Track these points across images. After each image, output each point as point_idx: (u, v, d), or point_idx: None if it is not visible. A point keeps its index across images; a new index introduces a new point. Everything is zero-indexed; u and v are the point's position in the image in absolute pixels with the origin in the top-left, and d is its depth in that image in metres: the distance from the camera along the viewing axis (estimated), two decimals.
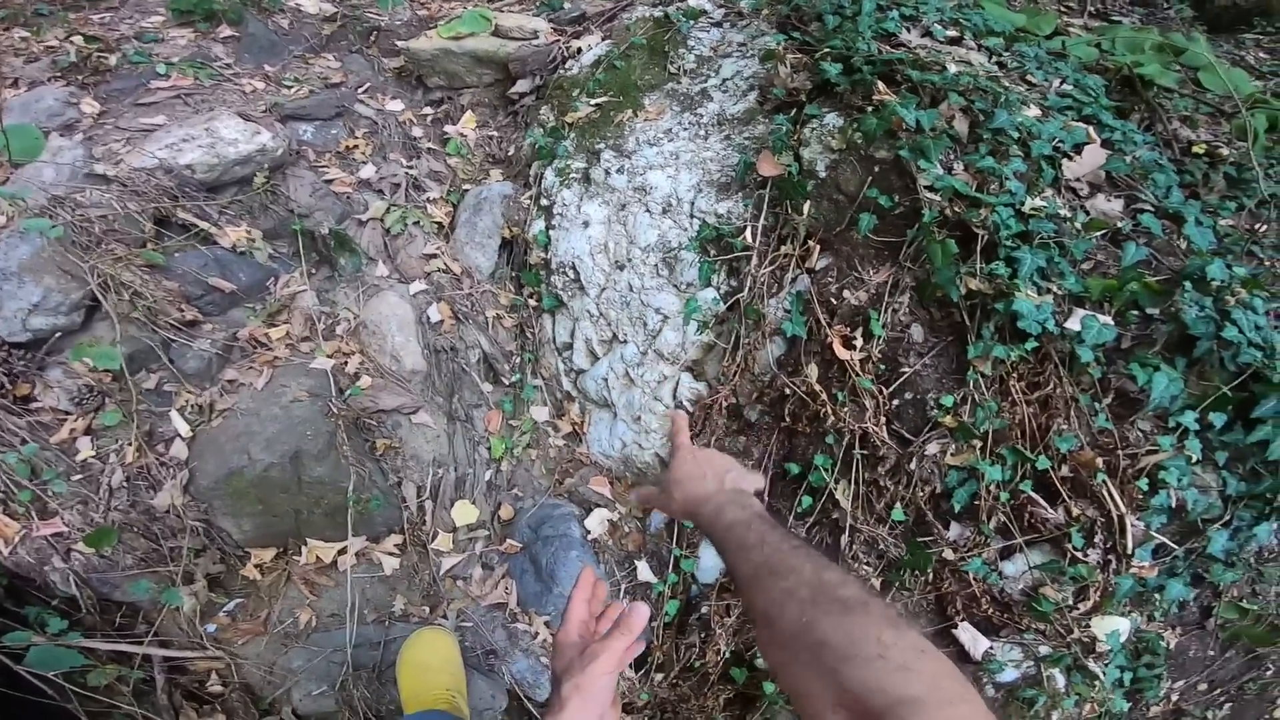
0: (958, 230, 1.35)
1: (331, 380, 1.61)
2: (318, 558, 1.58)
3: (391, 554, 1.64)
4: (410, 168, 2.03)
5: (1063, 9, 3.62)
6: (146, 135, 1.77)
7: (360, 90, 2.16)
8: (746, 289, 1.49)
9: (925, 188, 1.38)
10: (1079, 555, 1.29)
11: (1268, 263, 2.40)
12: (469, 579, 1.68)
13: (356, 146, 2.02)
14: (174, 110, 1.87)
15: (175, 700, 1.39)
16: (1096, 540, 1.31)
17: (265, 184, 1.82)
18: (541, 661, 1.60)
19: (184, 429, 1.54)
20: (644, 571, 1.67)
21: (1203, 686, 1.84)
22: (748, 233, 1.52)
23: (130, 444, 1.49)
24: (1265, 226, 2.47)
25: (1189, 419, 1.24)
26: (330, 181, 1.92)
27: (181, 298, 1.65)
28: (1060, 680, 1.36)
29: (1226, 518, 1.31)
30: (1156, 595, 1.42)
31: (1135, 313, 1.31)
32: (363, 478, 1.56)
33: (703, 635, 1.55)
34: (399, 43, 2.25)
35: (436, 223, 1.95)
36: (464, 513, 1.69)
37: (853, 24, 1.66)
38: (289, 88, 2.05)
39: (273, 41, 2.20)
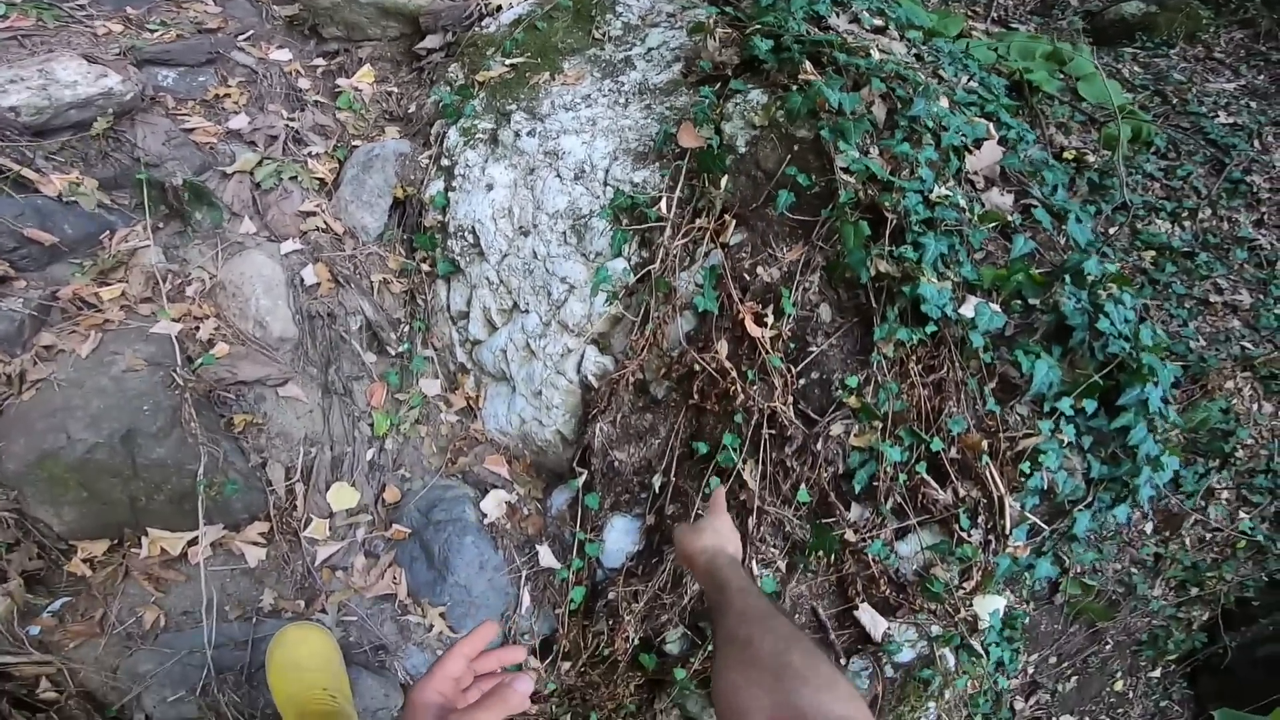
0: (869, 213, 1.36)
1: (177, 347, 1.40)
2: (162, 550, 1.40)
3: (256, 543, 1.47)
4: (291, 120, 1.83)
5: (970, 13, 3.87)
6: None
7: (240, 37, 1.95)
8: (659, 261, 1.43)
9: (842, 169, 1.39)
10: (964, 536, 1.34)
11: (1118, 264, 2.68)
12: (350, 569, 1.54)
13: (228, 95, 1.81)
14: (6, 52, 1.63)
15: (2, 708, 1.23)
16: (980, 521, 1.37)
17: (108, 130, 1.58)
18: (439, 655, 1.49)
19: None
20: (546, 557, 1.59)
21: (1053, 660, 2.03)
22: (663, 203, 1.46)
23: None
24: (1116, 229, 2.76)
25: (1065, 404, 1.31)
26: (191, 130, 1.71)
27: None
28: (951, 660, 1.41)
29: (1089, 499, 1.40)
30: (1027, 574, 1.53)
31: (1019, 302, 1.38)
32: (216, 459, 1.37)
33: (610, 622, 1.50)
34: None
35: (318, 179, 1.76)
36: (342, 496, 1.53)
37: (785, 3, 1.65)
38: (153, 31, 1.83)
39: None
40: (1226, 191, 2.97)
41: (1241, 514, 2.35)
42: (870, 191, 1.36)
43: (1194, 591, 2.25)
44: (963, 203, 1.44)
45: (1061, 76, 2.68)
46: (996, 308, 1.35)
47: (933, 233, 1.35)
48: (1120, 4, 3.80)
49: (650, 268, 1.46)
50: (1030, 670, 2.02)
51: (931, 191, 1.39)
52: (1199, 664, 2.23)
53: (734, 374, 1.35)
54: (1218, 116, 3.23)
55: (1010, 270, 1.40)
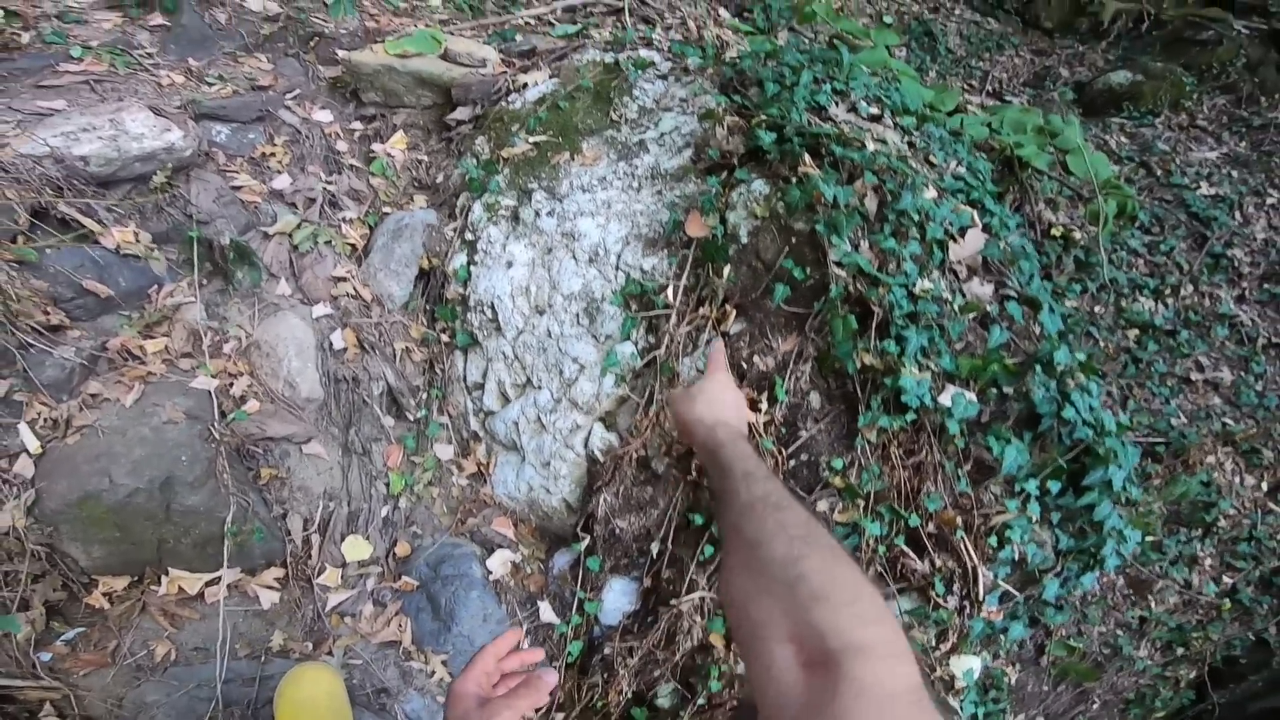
0: (858, 306, 1.46)
1: (214, 402, 1.49)
2: (180, 589, 1.46)
3: (270, 587, 1.54)
4: (329, 183, 1.93)
5: (966, 87, 4.01)
6: (41, 120, 1.58)
7: (288, 96, 2.05)
8: (664, 347, 1.54)
9: (835, 263, 1.48)
10: (940, 602, 1.43)
11: (1102, 343, 2.78)
12: (358, 616, 1.61)
13: (274, 154, 1.91)
14: (78, 96, 1.70)
15: None
16: (955, 588, 1.46)
17: (165, 184, 1.66)
18: (438, 700, 1.55)
19: (33, 444, 1.38)
20: (546, 613, 1.67)
21: None
22: (669, 291, 1.57)
23: None
24: (1103, 309, 2.86)
25: (1032, 485, 1.42)
26: (238, 189, 1.79)
27: (49, 299, 1.48)
28: None
29: (1058, 568, 1.50)
30: (1002, 636, 1.60)
31: (994, 390, 1.48)
32: (244, 508, 1.45)
33: (605, 675, 1.56)
34: (340, 52, 2.15)
35: (350, 244, 1.86)
36: (355, 548, 1.62)
37: (789, 94, 1.73)
38: (211, 85, 1.93)
39: (205, 35, 2.06)
40: (1208, 267, 3.04)
41: (1225, 579, 2.41)
42: (859, 285, 1.46)
43: (1180, 651, 2.28)
44: (945, 294, 1.54)
45: (1052, 150, 2.78)
46: (972, 396, 1.45)
47: (915, 326, 1.44)
48: (1108, 74, 3.94)
49: (655, 353, 1.56)
50: None
51: (915, 285, 1.49)
52: None
53: None
54: (1199, 188, 3.29)
55: (986, 360, 1.49)
